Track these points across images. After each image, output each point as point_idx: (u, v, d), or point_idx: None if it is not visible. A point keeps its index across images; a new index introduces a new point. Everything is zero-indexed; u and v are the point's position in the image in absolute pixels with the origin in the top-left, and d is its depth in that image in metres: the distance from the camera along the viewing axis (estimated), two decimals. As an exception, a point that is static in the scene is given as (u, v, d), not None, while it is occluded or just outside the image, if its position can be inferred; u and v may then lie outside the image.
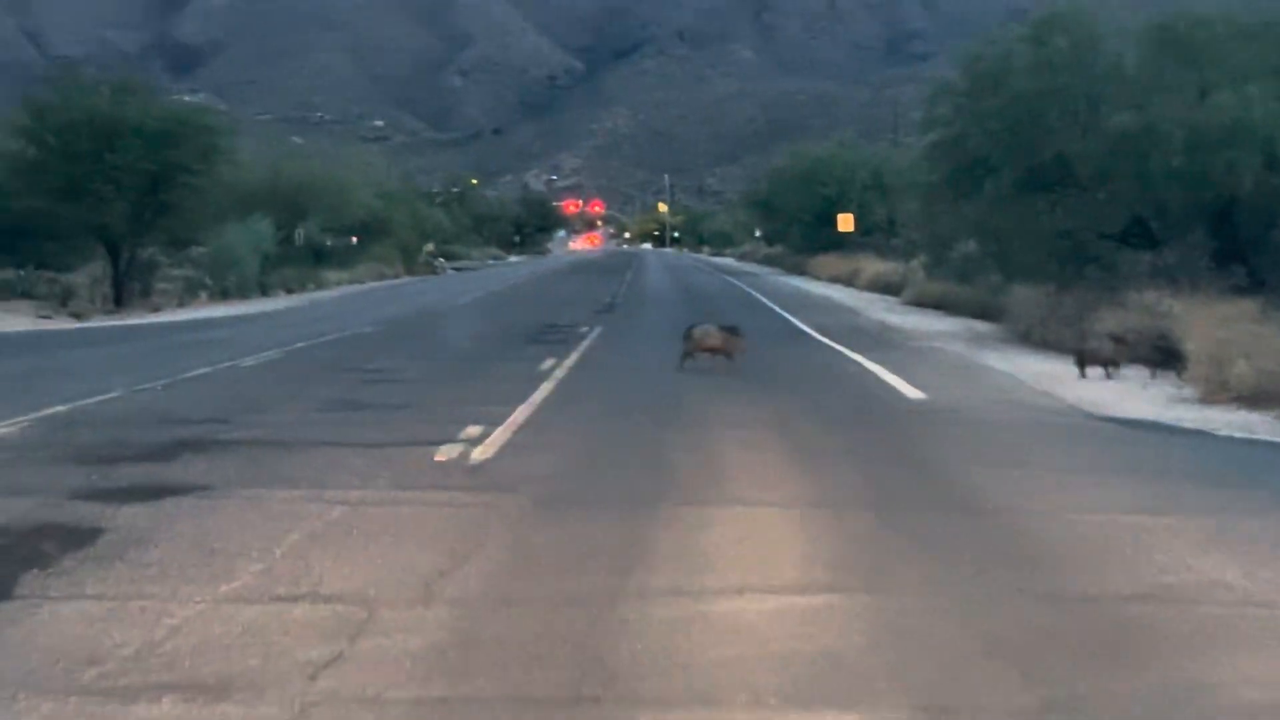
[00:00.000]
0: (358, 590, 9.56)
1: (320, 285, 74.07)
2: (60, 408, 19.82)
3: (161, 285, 66.58)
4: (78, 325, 51.16)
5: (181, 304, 62.24)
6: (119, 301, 60.83)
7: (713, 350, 25.25)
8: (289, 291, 69.93)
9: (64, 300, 58.81)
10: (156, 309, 59.33)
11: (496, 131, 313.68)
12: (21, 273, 61.76)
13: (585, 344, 31.68)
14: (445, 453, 15.49)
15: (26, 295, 60.34)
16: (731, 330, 25.71)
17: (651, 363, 27.24)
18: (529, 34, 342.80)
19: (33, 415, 18.89)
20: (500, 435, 16.94)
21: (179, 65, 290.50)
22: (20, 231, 61.53)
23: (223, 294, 65.15)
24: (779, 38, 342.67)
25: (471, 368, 26.35)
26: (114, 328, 47.14)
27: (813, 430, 17.81)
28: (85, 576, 9.93)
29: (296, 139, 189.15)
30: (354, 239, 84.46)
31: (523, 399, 20.59)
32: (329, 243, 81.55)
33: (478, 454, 15.50)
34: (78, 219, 59.38)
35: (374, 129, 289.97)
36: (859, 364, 26.61)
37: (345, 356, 29.06)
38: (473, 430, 17.22)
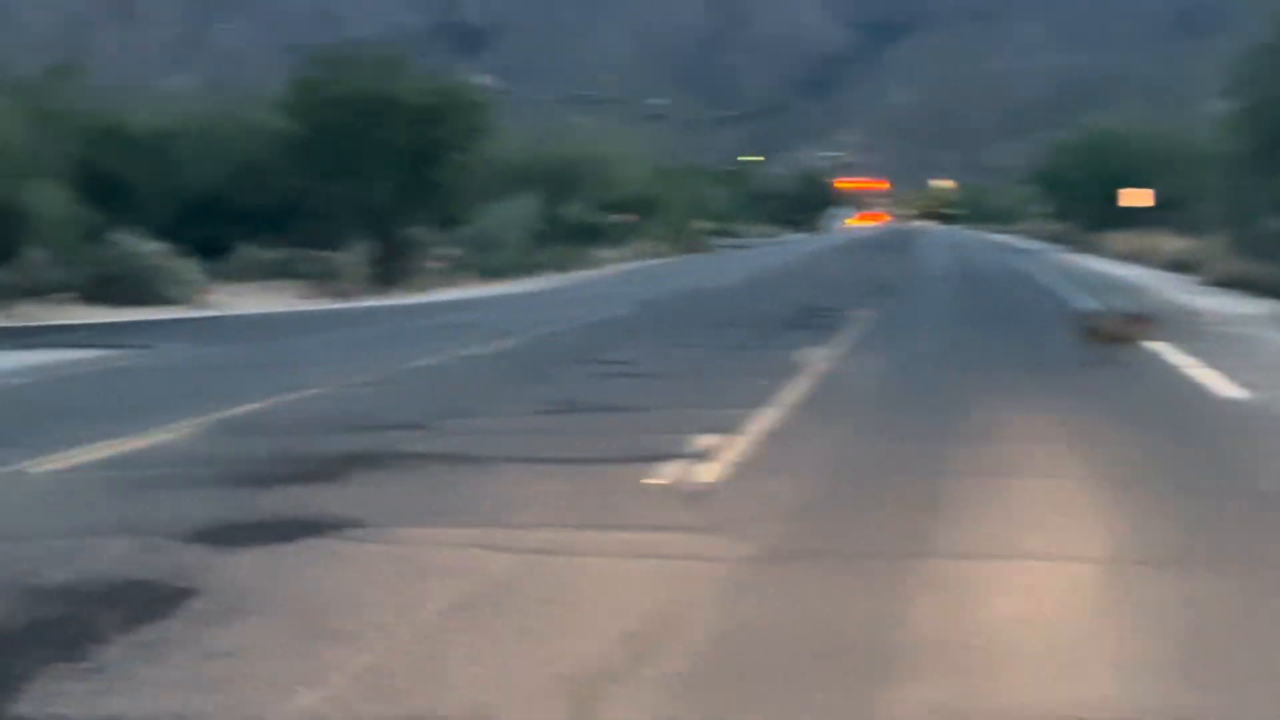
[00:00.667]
0: (484, 709, 6.61)
1: (589, 264, 71.75)
2: (249, 407, 17.37)
3: (431, 264, 64.94)
4: (336, 306, 49.48)
5: (446, 284, 60.41)
6: (384, 281, 59.22)
7: (1121, 339, 22.15)
8: (556, 271, 67.71)
9: (330, 280, 57.37)
10: (420, 289, 57.54)
11: (776, 109, 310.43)
12: (288, 253, 60.54)
13: (853, 331, 28.43)
14: (662, 473, 12.50)
15: (292, 275, 59.09)
16: (1137, 317, 22.81)
17: (927, 355, 23.96)
18: (810, 10, 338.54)
19: (212, 416, 16.43)
20: (735, 448, 13.89)
21: (465, 46, 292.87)
22: (288, 211, 60.29)
23: (488, 274, 63.15)
24: (1066, 10, 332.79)
25: (720, 358, 23.33)
26: (368, 309, 45.25)
27: (1117, 444, 14.38)
28: (121, 678, 7.12)
29: (578, 119, 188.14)
30: (626, 216, 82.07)
31: (771, 399, 17.53)
32: (599, 220, 79.17)
33: (702, 475, 12.47)
34: (344, 198, 57.90)
35: (654, 107, 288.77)
36: (1162, 355, 22.89)
37: (587, 345, 26.27)
38: (703, 441, 14.23)
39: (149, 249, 49.05)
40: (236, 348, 28.60)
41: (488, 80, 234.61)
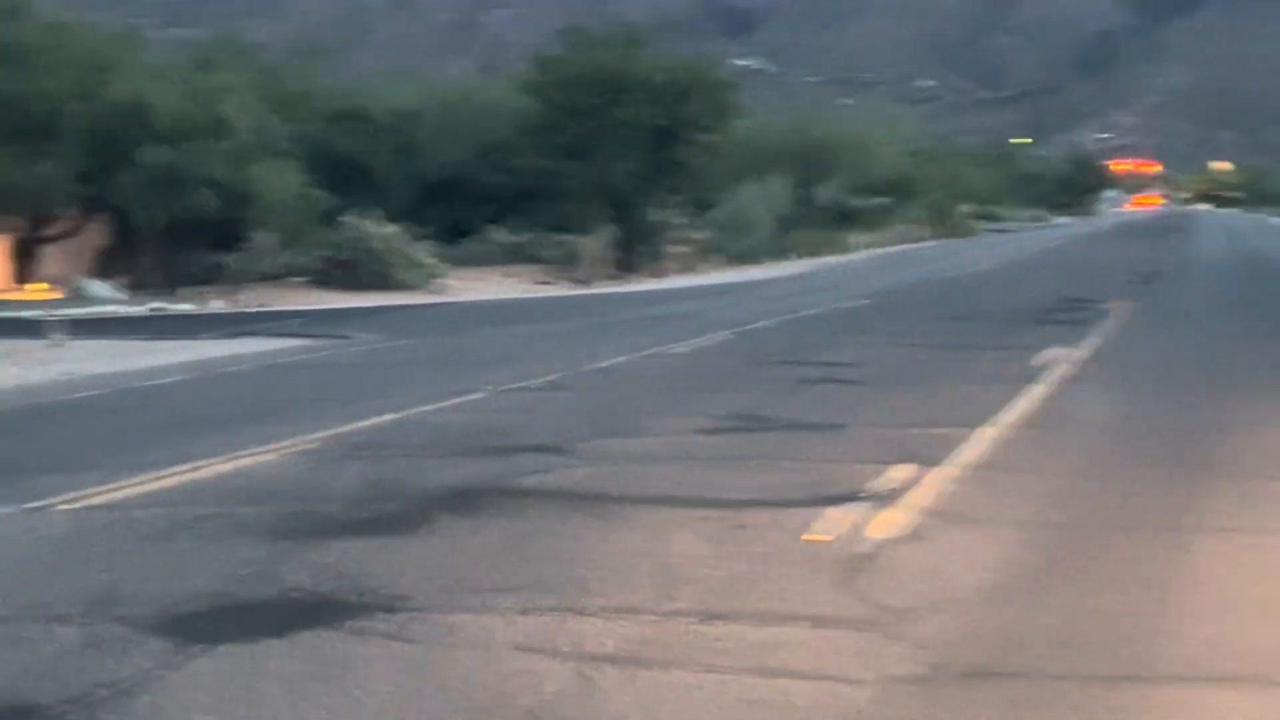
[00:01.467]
0: None
1: (841, 249, 68.63)
2: (387, 417, 14.99)
3: (678, 249, 62.53)
4: (569, 293, 47.29)
5: (687, 269, 57.91)
6: (625, 267, 56.94)
7: None
8: (807, 255, 64.76)
9: (568, 265, 55.27)
10: (660, 275, 55.12)
11: (1047, 90, 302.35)
12: (529, 236, 58.59)
13: (1108, 327, 25.12)
14: (829, 523, 9.69)
15: (534, 260, 57.13)
16: None
17: (1194, 362, 20.61)
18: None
19: (338, 429, 14.03)
20: (929, 487, 10.99)
21: (732, 28, 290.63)
22: (529, 193, 58.35)
23: (735, 259, 60.48)
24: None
25: (945, 360, 20.32)
26: (598, 297, 42.94)
27: None
28: None
29: (845, 100, 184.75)
30: (881, 200, 78.68)
31: (991, 416, 14.52)
32: (853, 204, 75.94)
33: (879, 528, 9.61)
34: (585, 178, 55.73)
35: (922, 89, 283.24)
36: None
37: (800, 341, 23.47)
38: (894, 474, 11.38)
39: (383, 232, 47.36)
40: (433, 341, 26.44)
41: (752, 62, 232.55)
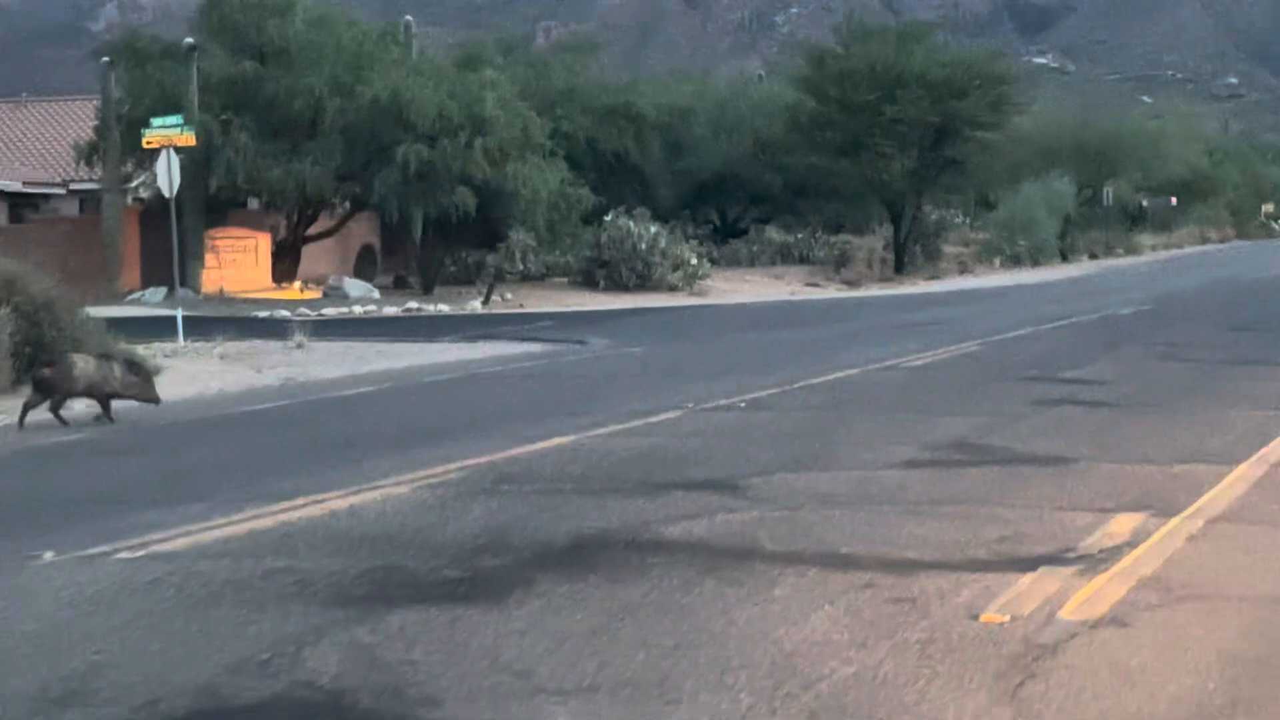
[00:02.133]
0: None
1: (1129, 250, 65.18)
2: (554, 441, 13.34)
3: (956, 249, 60.06)
4: (836, 295, 45.28)
5: (964, 271, 55.38)
6: (899, 268, 54.66)
7: None
8: (1092, 257, 61.59)
9: (839, 266, 53.22)
10: (934, 277, 52.72)
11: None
12: (801, 236, 56.72)
13: None
14: (1017, 597, 7.74)
15: (805, 260, 55.26)
16: None
17: None
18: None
19: (494, 456, 12.46)
20: (1160, 545, 8.94)
21: (1029, 26, 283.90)
22: (801, 192, 56.48)
23: (1014, 260, 57.71)
24: None
25: (1216, 377, 17.95)
26: (862, 300, 40.90)
27: None
28: None
29: (1145, 98, 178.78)
30: (1172, 199, 74.64)
31: (1257, 451, 12.27)
32: (1144, 204, 72.16)
33: (1078, 606, 7.61)
34: (857, 176, 53.60)
35: (1227, 86, 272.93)
36: None
37: (1056, 353, 21.22)
38: (1119, 526, 9.36)
39: (647, 232, 45.90)
40: (665, 348, 24.80)
41: (1049, 60, 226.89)
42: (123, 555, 8.89)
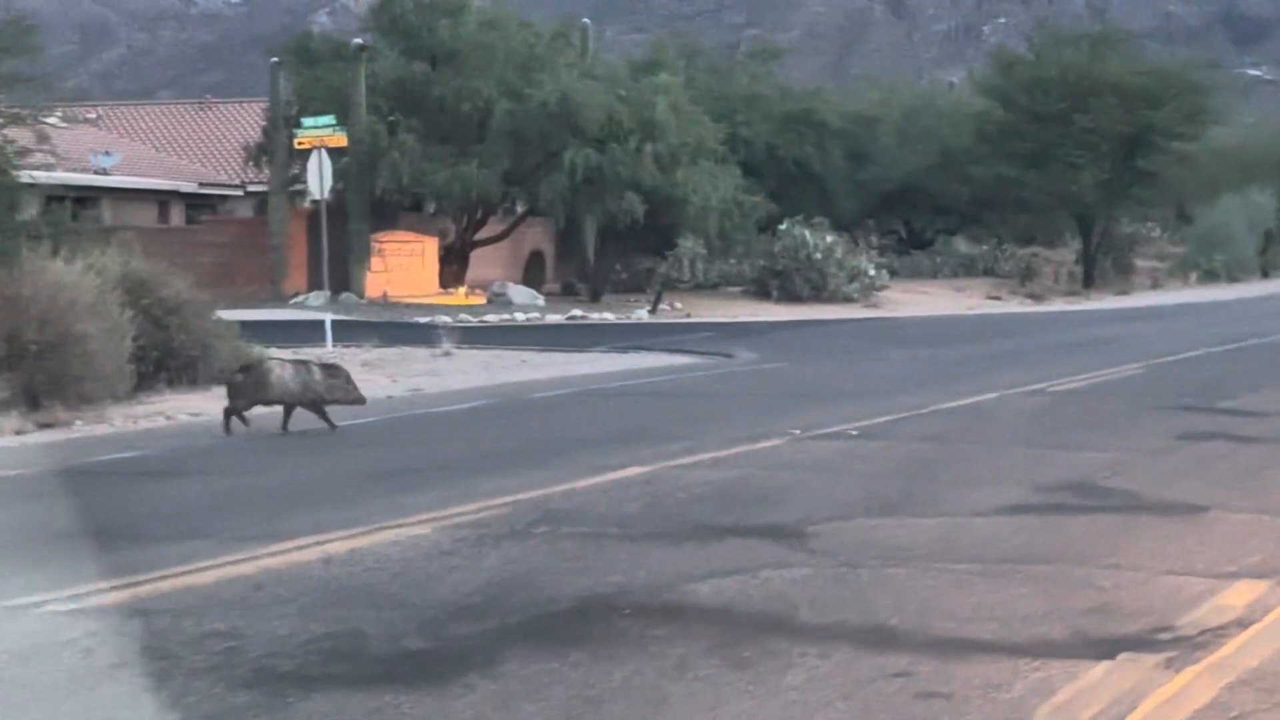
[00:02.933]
0: None
1: (1338, 267, 62.09)
2: (625, 472, 12.03)
3: (1150, 264, 57.61)
4: (1018, 309, 43.38)
5: (1156, 286, 52.98)
6: (1088, 282, 52.45)
7: None
8: (1294, 275, 58.73)
9: (1024, 279, 51.20)
10: (1123, 292, 50.43)
11: None
12: (986, 248, 54.76)
13: None
14: (1079, 695, 6.29)
15: (989, 273, 53.32)
16: None
17: None
18: None
19: (551, 489, 11.20)
20: (1274, 628, 7.37)
21: (1242, 38, 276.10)
22: (987, 203, 54.51)
23: (1210, 275, 55.11)
24: None
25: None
26: (1046, 315, 39.04)
27: None
28: None
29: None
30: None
31: None
32: (1353, 219, 68.62)
33: (1150, 711, 6.13)
34: (1045, 188, 51.49)
35: None
36: None
37: (1222, 380, 19.41)
38: (1234, 597, 7.98)
39: (823, 242, 44.39)
40: (810, 364, 23.43)
41: (1262, 72, 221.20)
42: (52, 608, 7.76)
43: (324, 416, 15.12)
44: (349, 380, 15.43)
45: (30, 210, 24.02)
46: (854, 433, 14.10)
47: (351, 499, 10.90)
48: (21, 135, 23.83)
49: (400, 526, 9.72)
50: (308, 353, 25.69)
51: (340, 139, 29.44)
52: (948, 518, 10.06)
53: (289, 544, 9.17)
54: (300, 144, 30.06)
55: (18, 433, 16.03)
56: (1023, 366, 21.21)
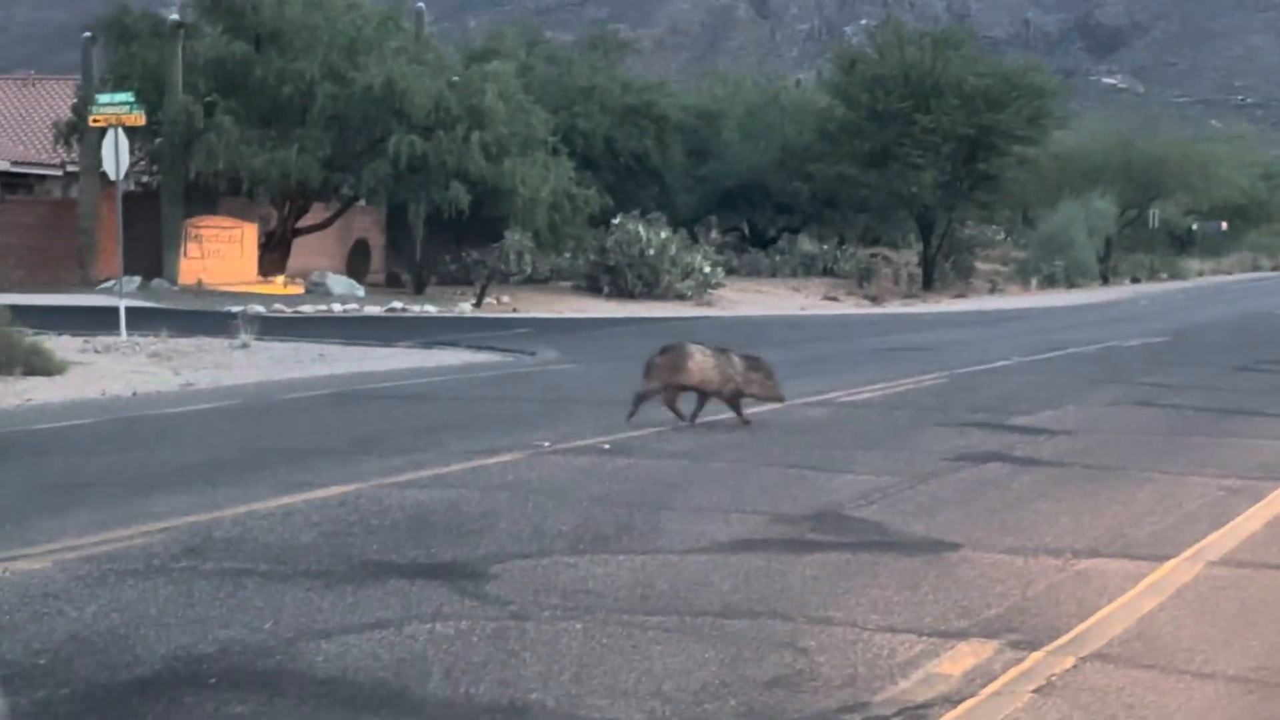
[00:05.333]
0: None
1: (1174, 275, 61.88)
2: (322, 492, 10.58)
3: (991, 267, 57.08)
4: (856, 310, 42.52)
5: (995, 290, 52.39)
6: (926, 284, 51.71)
7: None
8: (1134, 281, 58.40)
9: (862, 280, 50.35)
10: (960, 296, 49.74)
11: None
12: (827, 248, 53.88)
13: None
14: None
15: (829, 273, 52.43)
16: None
17: None
18: None
19: (218, 513, 9.74)
20: (989, 705, 6.17)
21: (1099, 47, 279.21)
22: (829, 201, 53.60)
23: (1050, 280, 54.63)
24: None
25: (1199, 429, 15.09)
26: (873, 316, 38.15)
27: None
28: None
29: (1214, 122, 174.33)
30: (1223, 224, 71.01)
31: (1197, 540, 9.48)
32: (1193, 228, 68.65)
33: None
34: (886, 188, 50.65)
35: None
36: None
37: (1023, 392, 18.36)
38: (950, 664, 6.81)
39: (657, 239, 43.19)
40: (610, 365, 22.12)
41: (1118, 80, 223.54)
42: None
43: (738, 410, 14.14)
44: (770, 374, 14.38)
45: None
46: (606, 446, 12.80)
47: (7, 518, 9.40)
48: None
49: (17, 559, 8.24)
50: (100, 341, 24.20)
51: (138, 118, 27.58)
52: (658, 554, 8.76)
53: None
54: (95, 121, 28.20)
55: None
56: (823, 373, 20.05)
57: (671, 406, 14.18)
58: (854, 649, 6.93)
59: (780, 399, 14.56)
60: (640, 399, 14.20)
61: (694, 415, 14.24)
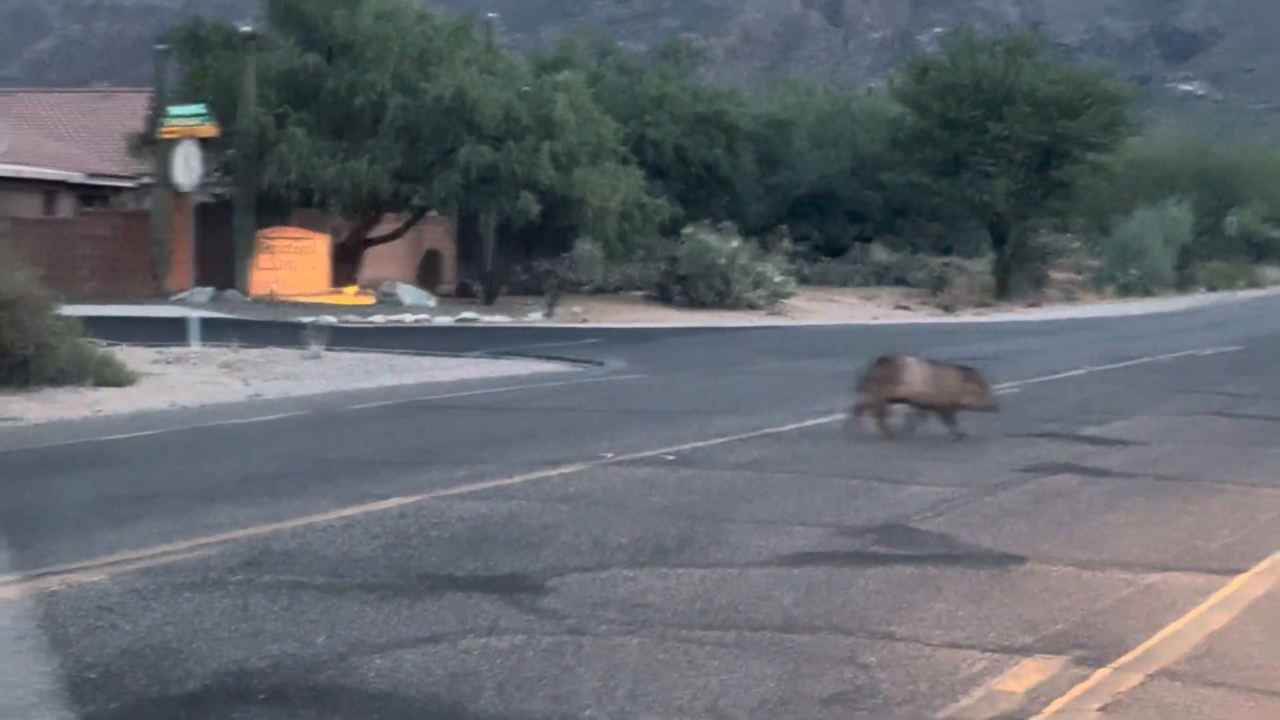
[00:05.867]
0: None
1: (1253, 282, 61.13)
2: (340, 512, 10.52)
3: (1065, 276, 56.58)
4: (929, 320, 42.19)
5: (1069, 299, 51.91)
6: (1000, 294, 51.29)
7: None
8: (1210, 289, 57.74)
9: (935, 289, 49.99)
10: (1034, 305, 49.31)
11: None
12: (900, 257, 53.55)
13: None
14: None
15: (901, 282, 52.09)
16: None
17: None
18: None
19: (249, 531, 9.70)
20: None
21: (1175, 53, 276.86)
22: (900, 210, 53.28)
23: (1125, 289, 54.08)
24: None
25: (1264, 441, 14.80)
26: (946, 326, 37.83)
27: None
28: None
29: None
30: (1302, 231, 70.17)
31: (1272, 552, 9.26)
32: (1270, 234, 67.79)
33: None
34: (958, 196, 50.29)
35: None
36: None
37: (1096, 402, 18.12)
38: (1014, 680, 6.68)
39: (727, 247, 43.01)
40: (675, 375, 22.04)
41: (1194, 87, 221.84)
42: None
43: (953, 423, 14.00)
44: (985, 385, 14.29)
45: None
46: (670, 458, 12.70)
47: (47, 533, 9.38)
48: None
49: (74, 571, 8.23)
50: (171, 351, 24.31)
51: (209, 129, 27.70)
52: (719, 568, 8.64)
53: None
54: (167, 133, 28.33)
55: None
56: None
57: (881, 421, 14.01)
58: (916, 665, 6.80)
59: (996, 409, 14.30)
60: (858, 411, 14.06)
61: (908, 429, 14.08)
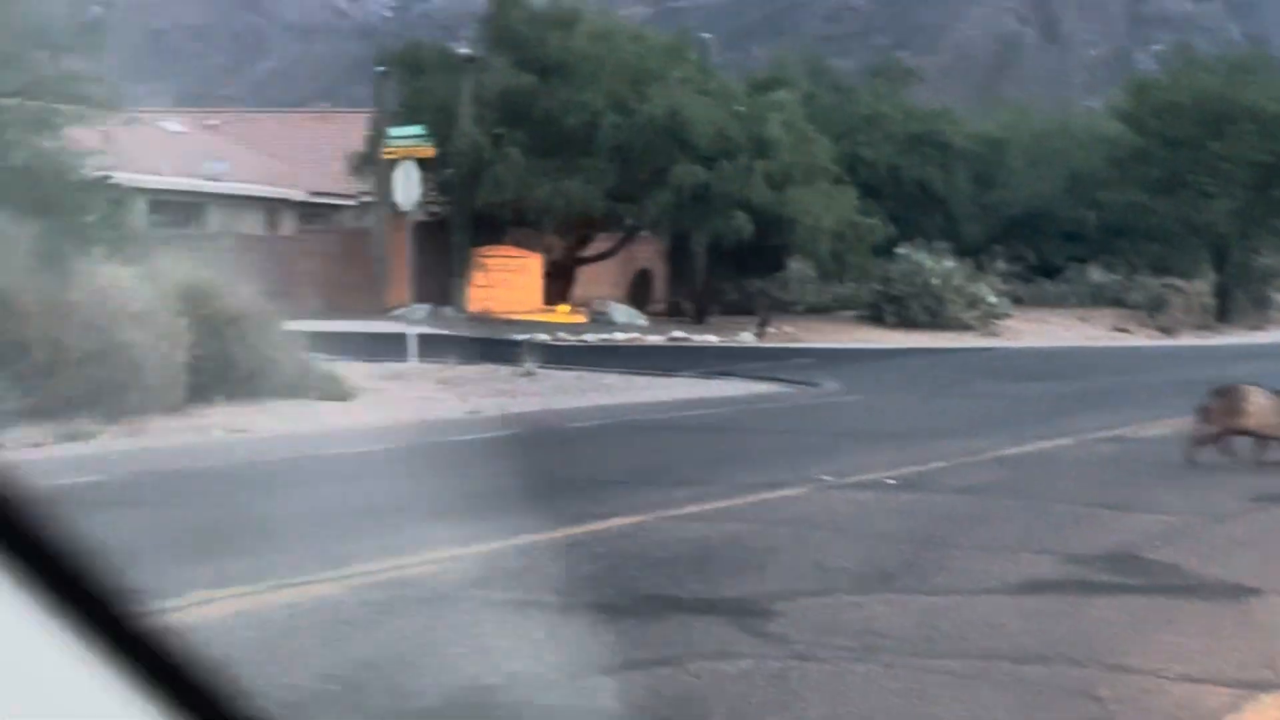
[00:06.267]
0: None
1: None
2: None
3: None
4: (1147, 343, 41.45)
5: (1291, 322, 50.55)
6: (1221, 316, 50.12)
7: None
8: None
9: (1153, 311, 48.98)
10: (1256, 327, 48.09)
11: None
12: (1116, 278, 52.54)
13: None
14: None
15: (1118, 303, 51.10)
16: None
17: None
18: None
19: (480, 549, 9.82)
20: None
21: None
22: (1117, 230, 52.25)
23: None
24: None
25: None
26: (1163, 349, 37.12)
27: None
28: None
29: None
30: None
31: None
32: None
33: None
34: (1177, 216, 49.22)
35: None
36: None
37: None
38: (1255, 717, 6.32)
39: (940, 267, 42.67)
40: (889, 397, 21.90)
41: None
42: None
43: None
44: None
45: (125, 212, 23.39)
46: (891, 481, 12.61)
47: (279, 544, 9.62)
48: (89, 136, 22.98)
49: (309, 584, 8.43)
50: (389, 367, 24.79)
51: (428, 150, 28.31)
52: (946, 595, 8.57)
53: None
54: (388, 154, 28.97)
55: (37, 445, 15.02)
56: (1115, 407, 19.55)
57: (1225, 452, 13.76)
58: (1152, 699, 6.68)
59: None
60: (1198, 443, 13.78)
61: (1260, 457, 13.73)
